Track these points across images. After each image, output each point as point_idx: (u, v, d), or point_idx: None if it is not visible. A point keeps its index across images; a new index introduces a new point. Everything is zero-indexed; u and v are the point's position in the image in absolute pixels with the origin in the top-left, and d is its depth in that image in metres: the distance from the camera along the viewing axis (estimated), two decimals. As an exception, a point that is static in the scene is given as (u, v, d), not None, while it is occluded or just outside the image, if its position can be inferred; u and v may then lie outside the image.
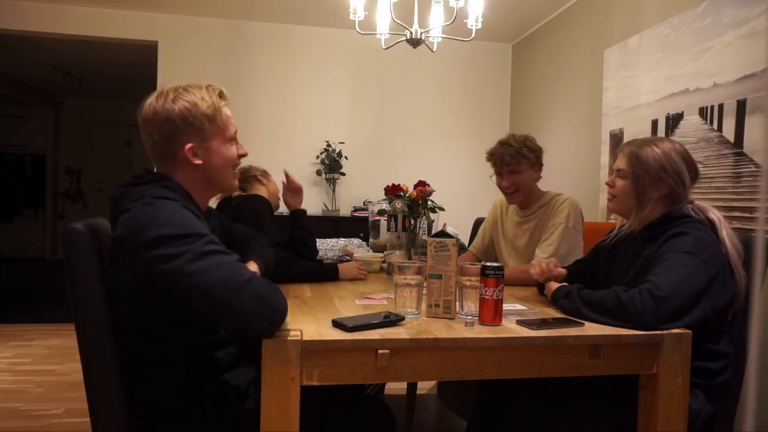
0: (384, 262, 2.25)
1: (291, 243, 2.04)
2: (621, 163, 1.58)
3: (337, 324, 1.25)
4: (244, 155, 1.41)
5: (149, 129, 1.29)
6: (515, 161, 2.08)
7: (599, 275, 1.72)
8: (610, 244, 1.69)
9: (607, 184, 1.63)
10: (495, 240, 2.34)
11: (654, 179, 1.51)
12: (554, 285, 1.61)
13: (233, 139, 1.37)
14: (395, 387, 2.99)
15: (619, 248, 1.67)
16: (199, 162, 1.30)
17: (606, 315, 1.35)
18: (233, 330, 1.28)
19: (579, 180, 3.57)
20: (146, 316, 1.25)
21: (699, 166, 1.59)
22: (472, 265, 1.41)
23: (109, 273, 1.28)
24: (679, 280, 1.33)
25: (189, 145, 1.28)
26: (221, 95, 1.33)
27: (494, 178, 2.19)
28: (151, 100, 1.30)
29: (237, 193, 2.15)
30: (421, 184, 2.45)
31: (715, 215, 1.49)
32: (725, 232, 1.45)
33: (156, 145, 1.30)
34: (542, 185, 2.21)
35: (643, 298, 1.31)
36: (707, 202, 1.54)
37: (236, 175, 1.42)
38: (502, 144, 2.13)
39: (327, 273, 1.96)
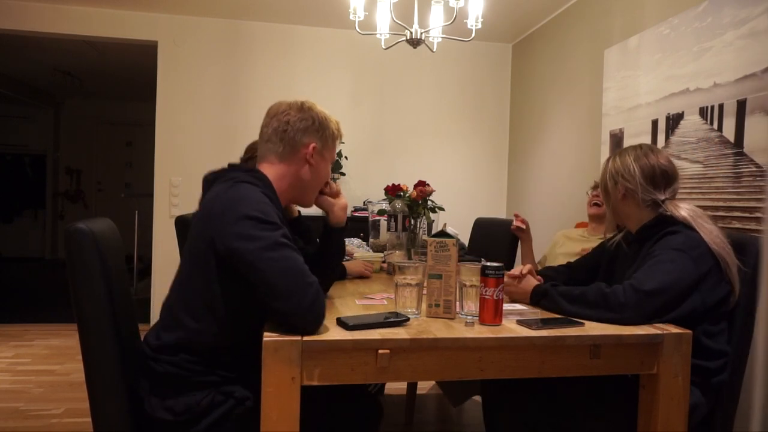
0: (384, 262, 2.26)
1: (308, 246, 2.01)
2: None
3: (340, 322, 1.27)
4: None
5: (290, 115, 1.43)
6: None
7: (600, 273, 1.74)
8: (614, 245, 1.73)
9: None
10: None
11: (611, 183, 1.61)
12: (532, 282, 1.61)
13: None
14: (395, 387, 2.99)
15: (620, 249, 1.70)
16: (311, 164, 1.44)
17: (588, 308, 1.37)
18: (274, 319, 1.26)
19: (579, 180, 3.56)
20: (213, 290, 1.28)
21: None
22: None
23: (185, 250, 1.38)
24: (665, 276, 1.35)
25: (313, 145, 1.44)
26: (340, 128, 1.52)
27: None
28: (290, 103, 1.46)
29: None
30: (421, 184, 2.46)
31: (687, 213, 1.49)
32: (704, 227, 1.44)
33: (291, 127, 1.42)
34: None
35: (625, 292, 1.34)
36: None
37: (315, 197, 1.54)
38: None
39: (339, 272, 1.96)
